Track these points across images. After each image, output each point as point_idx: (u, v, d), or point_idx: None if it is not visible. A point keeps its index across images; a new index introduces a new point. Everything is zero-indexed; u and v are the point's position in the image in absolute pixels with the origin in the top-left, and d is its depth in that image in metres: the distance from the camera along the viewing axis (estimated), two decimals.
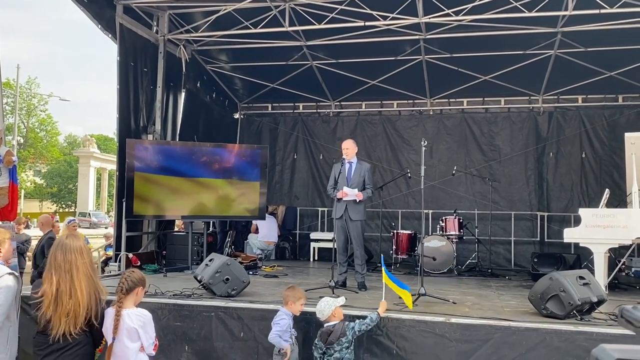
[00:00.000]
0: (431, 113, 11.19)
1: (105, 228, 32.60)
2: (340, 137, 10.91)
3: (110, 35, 8.26)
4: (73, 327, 3.16)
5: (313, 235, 10.73)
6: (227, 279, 5.60)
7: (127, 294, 3.37)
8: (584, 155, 10.35)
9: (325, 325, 4.34)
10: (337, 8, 8.02)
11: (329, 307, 4.34)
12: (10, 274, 3.67)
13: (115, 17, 8.06)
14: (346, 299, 4.60)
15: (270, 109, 12.11)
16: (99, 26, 8.09)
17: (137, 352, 3.31)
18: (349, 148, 6.67)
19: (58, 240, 3.43)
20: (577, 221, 6.46)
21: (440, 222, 9.30)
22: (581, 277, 4.93)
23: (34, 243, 8.67)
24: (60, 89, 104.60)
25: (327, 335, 4.25)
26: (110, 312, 3.38)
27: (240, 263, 6.61)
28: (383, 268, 5.06)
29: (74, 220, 9.81)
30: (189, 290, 5.76)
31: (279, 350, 4.44)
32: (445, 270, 8.69)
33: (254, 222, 10.00)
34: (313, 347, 4.43)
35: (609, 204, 6.74)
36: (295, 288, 4.78)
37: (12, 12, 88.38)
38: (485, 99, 10.85)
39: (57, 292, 3.19)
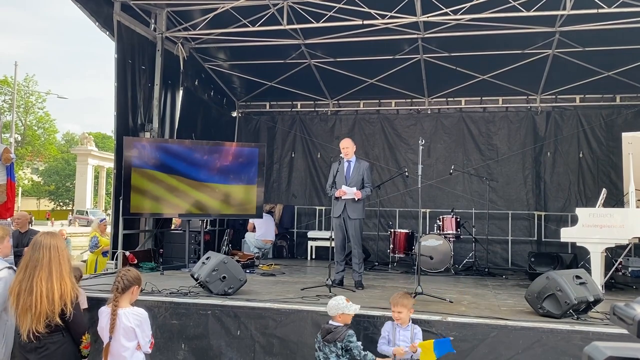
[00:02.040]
0: (429, 112, 11.19)
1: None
2: (338, 135, 10.91)
3: (107, 33, 8.24)
4: (38, 325, 3.07)
5: (310, 234, 10.73)
6: (224, 277, 5.59)
7: (122, 293, 3.37)
8: (581, 155, 10.36)
9: (330, 322, 4.31)
10: (335, 6, 8.02)
11: (336, 309, 4.28)
12: (9, 267, 3.71)
13: (113, 15, 8.04)
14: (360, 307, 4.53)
15: (268, 107, 12.10)
16: (97, 24, 8.07)
17: (133, 350, 3.31)
18: (348, 147, 6.66)
19: (34, 237, 3.39)
20: (574, 221, 6.47)
21: (438, 221, 9.31)
22: (578, 277, 4.93)
23: None
24: (58, 86, 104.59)
25: (326, 332, 4.23)
26: (105, 312, 3.38)
27: (238, 261, 6.60)
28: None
29: (105, 219, 9.92)
30: (186, 288, 5.75)
31: None
32: (443, 269, 8.69)
33: (251, 220, 9.99)
34: (315, 339, 4.43)
35: (606, 204, 6.75)
36: (400, 294, 4.52)
37: (11, 9, 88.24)
38: (483, 98, 10.86)
39: (19, 289, 3.15)
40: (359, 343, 4.23)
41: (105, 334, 3.33)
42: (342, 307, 4.27)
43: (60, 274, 3.18)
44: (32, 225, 7.76)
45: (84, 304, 4.38)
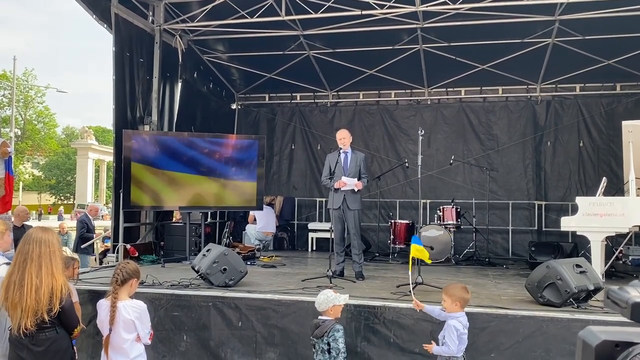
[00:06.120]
0: (429, 102, 11.16)
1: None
2: (338, 127, 10.83)
3: (105, 26, 8.20)
4: (28, 321, 3.01)
5: (311, 226, 10.73)
6: (225, 269, 5.60)
7: (121, 285, 3.38)
8: (581, 144, 10.34)
9: (319, 317, 4.22)
10: None
11: (326, 303, 4.18)
12: (7, 264, 3.69)
13: (110, 7, 8.00)
14: (349, 296, 4.47)
15: (267, 99, 12.06)
16: (94, 16, 8.03)
17: (133, 342, 3.34)
18: (345, 138, 6.64)
19: (27, 231, 3.34)
20: (575, 210, 6.47)
21: (438, 211, 9.31)
22: (578, 265, 4.94)
23: None
24: (58, 81, 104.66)
25: (315, 328, 4.15)
26: (104, 304, 3.39)
27: (239, 254, 6.61)
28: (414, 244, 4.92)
29: None
30: (187, 280, 5.76)
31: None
32: (443, 259, 8.70)
33: (251, 212, 10.00)
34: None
35: (607, 193, 6.74)
36: (454, 284, 4.32)
37: (11, 4, 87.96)
38: (483, 88, 10.82)
39: (8, 282, 3.09)
40: (342, 345, 4.04)
41: (105, 327, 3.34)
42: (331, 299, 4.17)
43: (51, 270, 3.11)
44: (27, 221, 7.72)
45: (74, 297, 4.39)
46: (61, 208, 37.88)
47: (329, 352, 4.01)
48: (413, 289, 5.08)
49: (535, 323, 4.53)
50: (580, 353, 1.05)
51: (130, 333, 3.32)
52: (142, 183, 7.93)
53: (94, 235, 10.03)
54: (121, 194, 7.80)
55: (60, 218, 30.85)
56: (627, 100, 10.17)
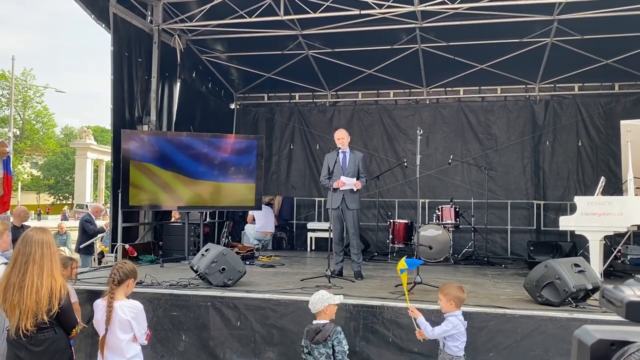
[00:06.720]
0: (427, 102, 11.15)
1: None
2: (337, 127, 10.83)
3: (103, 25, 8.20)
4: (27, 322, 3.00)
5: (310, 225, 10.72)
6: (223, 269, 5.60)
7: (118, 285, 3.38)
8: (580, 144, 10.35)
9: (315, 322, 4.13)
10: None
11: (322, 303, 4.10)
12: (5, 264, 3.69)
13: (109, 7, 8.00)
14: (343, 296, 4.44)
15: (266, 99, 12.06)
16: (92, 16, 8.04)
17: (129, 342, 3.33)
18: (343, 137, 6.64)
19: (25, 232, 3.32)
20: (573, 209, 6.45)
21: (437, 211, 9.31)
22: (576, 265, 4.94)
23: None
24: (57, 80, 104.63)
25: (314, 334, 4.03)
26: (100, 304, 3.38)
27: (237, 253, 6.61)
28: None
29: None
30: (186, 280, 5.76)
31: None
32: (442, 259, 8.71)
33: (250, 212, 9.99)
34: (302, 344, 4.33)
35: (605, 192, 6.74)
36: (448, 284, 4.29)
37: (9, 3, 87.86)
38: (482, 87, 10.82)
39: (6, 283, 3.07)
40: (347, 346, 4.02)
41: (101, 327, 3.34)
42: (326, 298, 4.11)
43: (51, 271, 3.11)
44: (27, 221, 7.71)
45: (73, 298, 4.40)
46: (65, 208, 37.89)
47: (334, 356, 3.96)
48: (411, 289, 5.09)
49: (533, 322, 4.53)
50: (576, 352, 1.05)
51: (127, 333, 3.31)
52: (141, 183, 7.92)
53: (100, 233, 10.02)
54: (119, 194, 7.80)
55: (64, 218, 30.85)
56: (625, 100, 10.18)
